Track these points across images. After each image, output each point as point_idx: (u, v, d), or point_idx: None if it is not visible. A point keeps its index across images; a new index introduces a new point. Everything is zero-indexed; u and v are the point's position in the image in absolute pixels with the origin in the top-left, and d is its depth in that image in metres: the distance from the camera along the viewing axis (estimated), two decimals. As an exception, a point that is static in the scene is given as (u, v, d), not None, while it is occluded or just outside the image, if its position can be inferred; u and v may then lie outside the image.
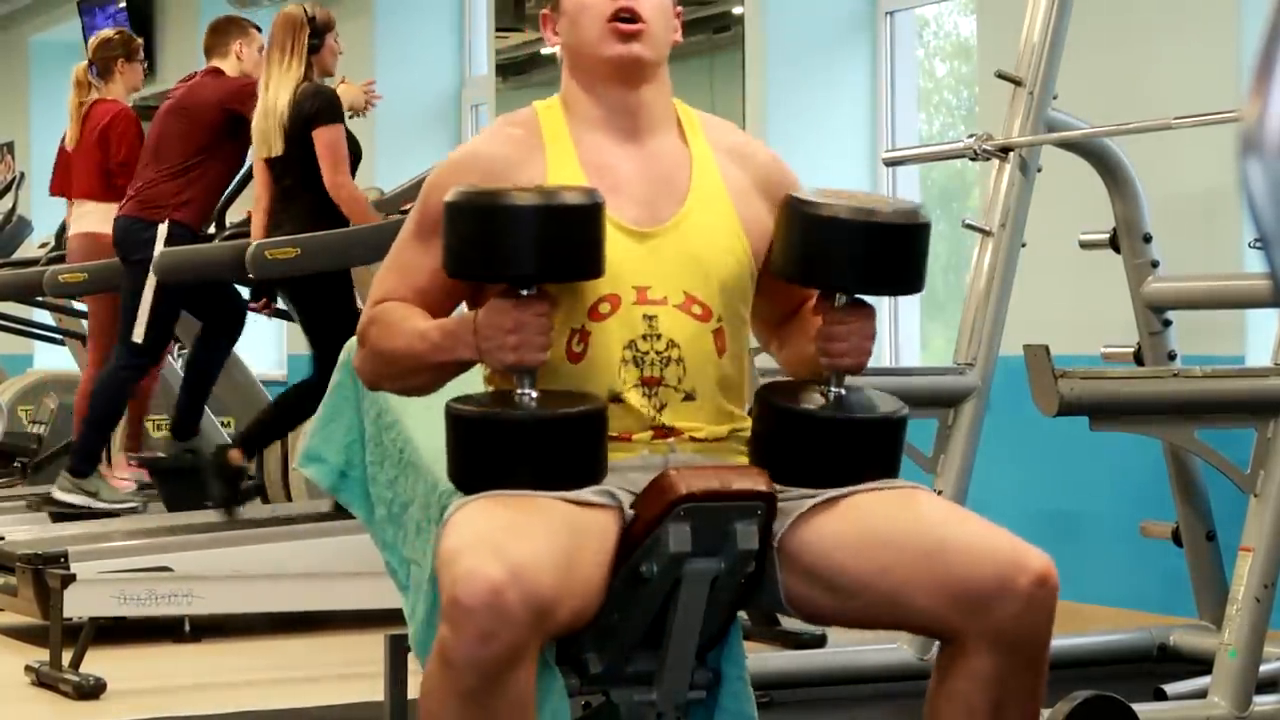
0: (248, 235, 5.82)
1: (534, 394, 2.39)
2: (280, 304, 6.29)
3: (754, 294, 2.61)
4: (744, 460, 2.51)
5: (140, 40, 7.22)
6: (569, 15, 2.57)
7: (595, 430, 2.38)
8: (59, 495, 6.48)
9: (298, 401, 5.81)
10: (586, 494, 2.37)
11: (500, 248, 2.36)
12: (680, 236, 2.53)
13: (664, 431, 2.49)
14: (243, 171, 6.29)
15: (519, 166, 2.51)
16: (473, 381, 2.57)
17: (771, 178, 2.62)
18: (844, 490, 2.44)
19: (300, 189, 5.64)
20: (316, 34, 5.75)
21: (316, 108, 5.61)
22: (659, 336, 2.49)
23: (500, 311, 2.37)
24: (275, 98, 5.66)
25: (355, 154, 5.75)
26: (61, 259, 7.23)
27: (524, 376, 2.39)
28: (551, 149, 2.55)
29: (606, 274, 2.45)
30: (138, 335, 6.21)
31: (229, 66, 6.33)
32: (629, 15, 2.53)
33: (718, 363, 2.54)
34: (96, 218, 6.83)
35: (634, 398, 2.48)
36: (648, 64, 2.56)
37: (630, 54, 2.54)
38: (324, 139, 5.59)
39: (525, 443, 2.37)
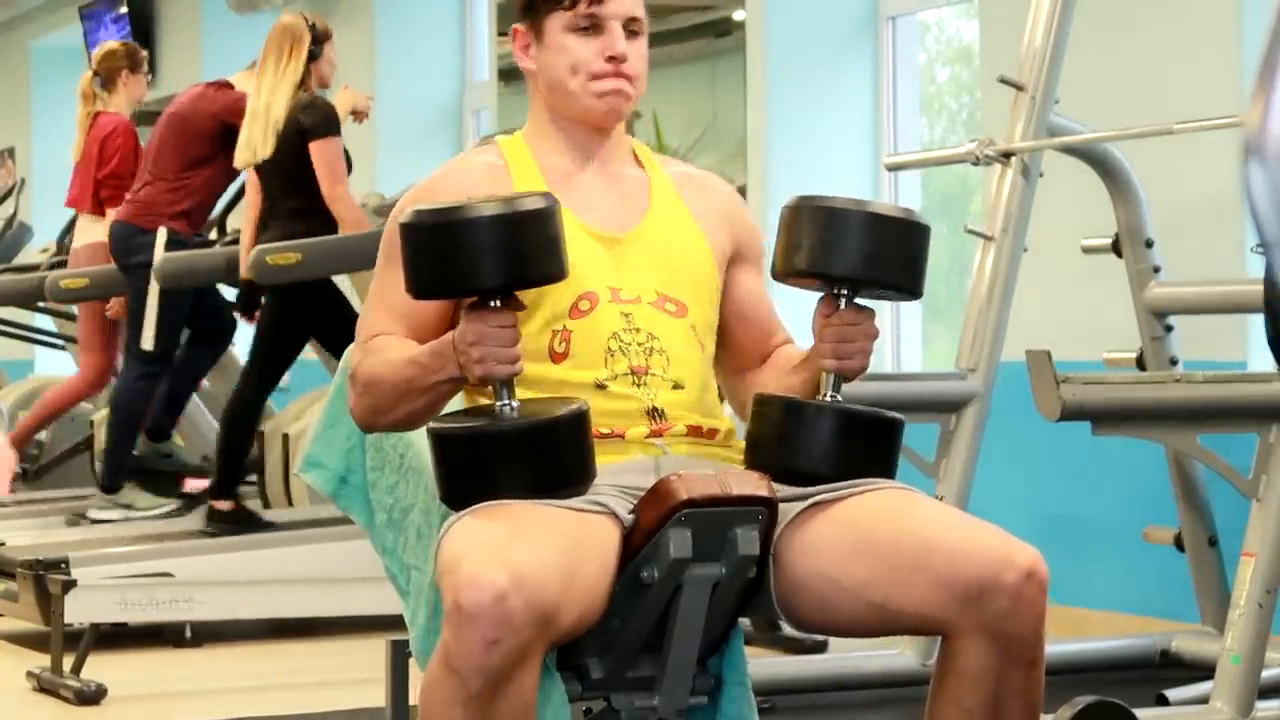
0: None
1: (514, 404, 2.38)
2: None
3: (720, 340, 2.64)
4: (738, 465, 2.51)
5: (145, 53, 7.19)
6: (551, 56, 2.59)
7: (579, 432, 2.37)
8: (96, 516, 6.46)
9: (244, 415, 5.80)
10: (578, 504, 2.37)
11: (460, 262, 2.32)
12: (647, 241, 2.59)
13: (657, 418, 2.50)
14: (241, 179, 6.28)
15: (486, 191, 2.50)
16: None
17: (730, 208, 2.71)
18: (837, 493, 2.43)
19: (286, 195, 5.62)
20: (315, 42, 5.74)
21: (313, 121, 5.58)
22: (639, 329, 2.53)
23: (467, 323, 2.36)
24: (268, 103, 5.62)
25: (346, 163, 5.73)
26: (63, 264, 7.23)
27: (502, 388, 2.37)
28: (517, 173, 2.59)
29: (581, 274, 2.49)
30: (147, 343, 6.18)
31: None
32: (619, 71, 2.57)
33: (699, 356, 2.57)
34: (99, 229, 6.82)
35: (623, 386, 2.50)
36: (625, 113, 2.61)
37: (616, 111, 2.60)
38: (322, 152, 5.56)
39: (510, 453, 2.35)
